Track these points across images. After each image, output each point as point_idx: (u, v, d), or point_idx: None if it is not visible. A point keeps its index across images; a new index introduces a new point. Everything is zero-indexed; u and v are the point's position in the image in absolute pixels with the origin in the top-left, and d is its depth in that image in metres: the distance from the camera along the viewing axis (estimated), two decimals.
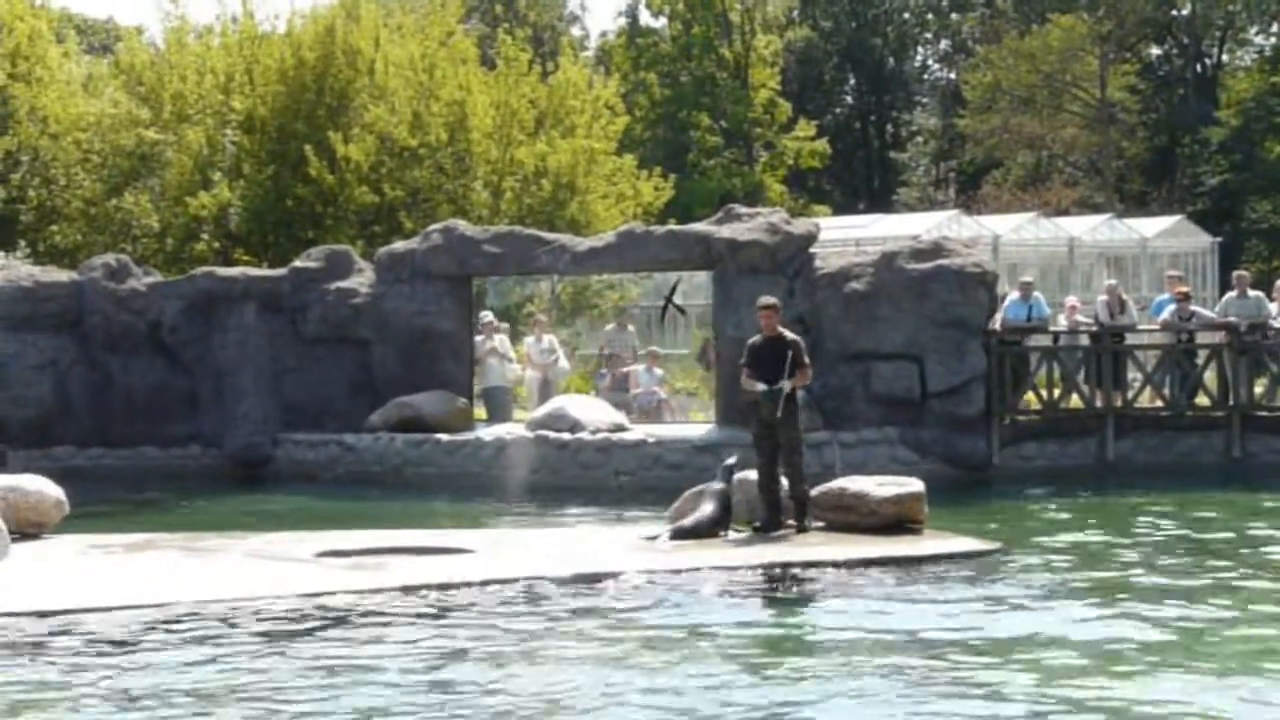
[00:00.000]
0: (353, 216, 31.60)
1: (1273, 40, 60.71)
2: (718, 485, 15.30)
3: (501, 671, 10.06)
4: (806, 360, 15.43)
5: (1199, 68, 62.89)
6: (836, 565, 13.81)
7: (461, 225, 23.94)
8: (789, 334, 15.56)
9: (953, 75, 70.62)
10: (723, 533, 15.06)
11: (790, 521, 15.29)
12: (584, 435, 21.20)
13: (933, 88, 74.56)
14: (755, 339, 15.57)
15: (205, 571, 13.44)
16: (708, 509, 15.12)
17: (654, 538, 15.04)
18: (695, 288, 28.45)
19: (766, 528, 15.18)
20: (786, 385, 15.09)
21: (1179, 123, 59.87)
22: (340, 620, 11.60)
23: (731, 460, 15.69)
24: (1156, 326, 23.43)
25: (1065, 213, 46.45)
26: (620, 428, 21.66)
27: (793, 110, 57.00)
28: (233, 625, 11.43)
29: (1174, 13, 61.90)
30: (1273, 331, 22.23)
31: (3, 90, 33.28)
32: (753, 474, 15.69)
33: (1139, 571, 13.86)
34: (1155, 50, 64.81)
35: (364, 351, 23.11)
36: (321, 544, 14.77)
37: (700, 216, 29.01)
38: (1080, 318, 24.12)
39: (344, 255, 24.10)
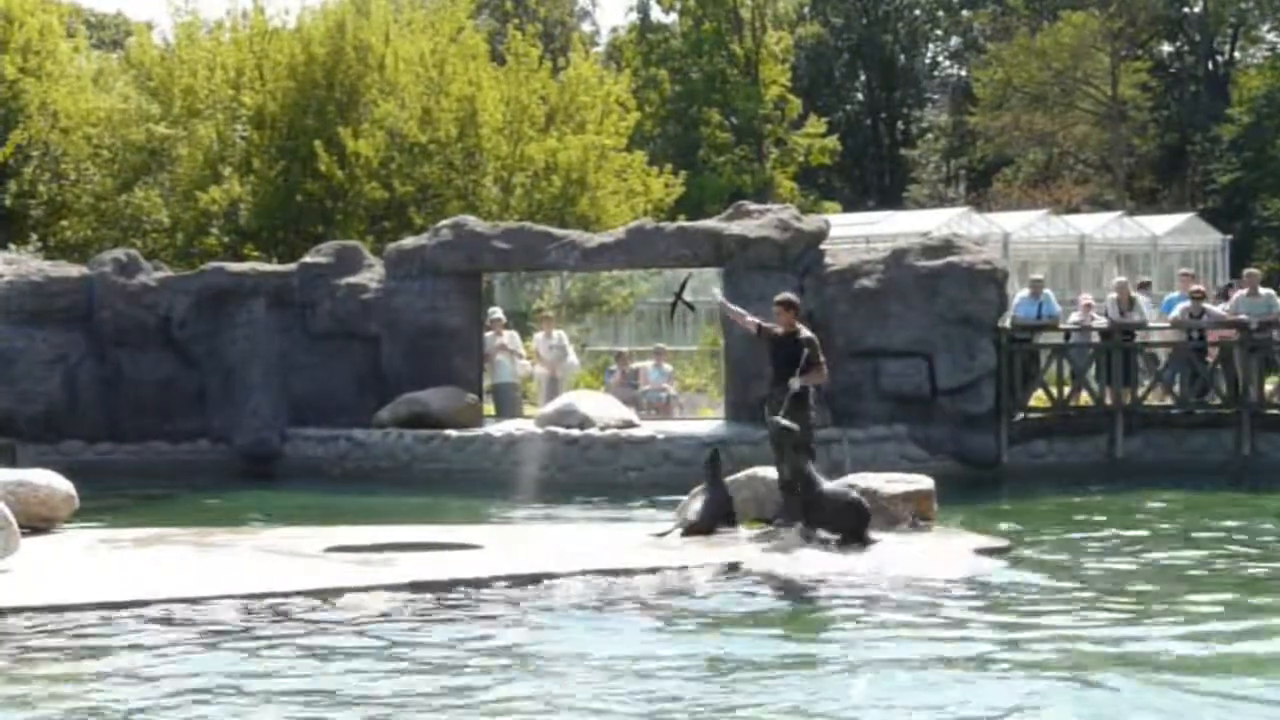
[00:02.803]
0: (362, 212, 31.62)
1: None
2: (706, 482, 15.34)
3: (506, 667, 10.06)
4: (821, 359, 15.22)
5: (1210, 65, 62.80)
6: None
7: (471, 221, 23.94)
8: (805, 332, 15.34)
9: (963, 72, 70.52)
10: (726, 529, 15.05)
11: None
12: (593, 432, 21.20)
13: (943, 85, 74.46)
14: (779, 330, 15.46)
15: (215, 567, 13.45)
16: (696, 507, 15.13)
17: (664, 534, 15.03)
18: (705, 284, 28.40)
19: (785, 523, 15.12)
20: (795, 384, 14.99)
21: (1190, 120, 59.78)
22: (346, 615, 11.60)
23: (712, 452, 15.69)
24: (1166, 324, 23.40)
25: (1076, 210, 46.44)
26: (629, 424, 21.66)
27: (803, 107, 56.92)
28: (242, 620, 11.43)
29: (1185, 10, 61.82)
30: None
31: (13, 85, 33.32)
32: (760, 470, 15.70)
33: (1142, 572, 13.85)
34: (1167, 47, 64.71)
35: (373, 347, 23.11)
36: (330, 539, 14.79)
37: (710, 213, 29.02)
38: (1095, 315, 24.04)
39: (353, 251, 24.10)
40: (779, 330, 15.26)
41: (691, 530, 14.94)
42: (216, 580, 12.66)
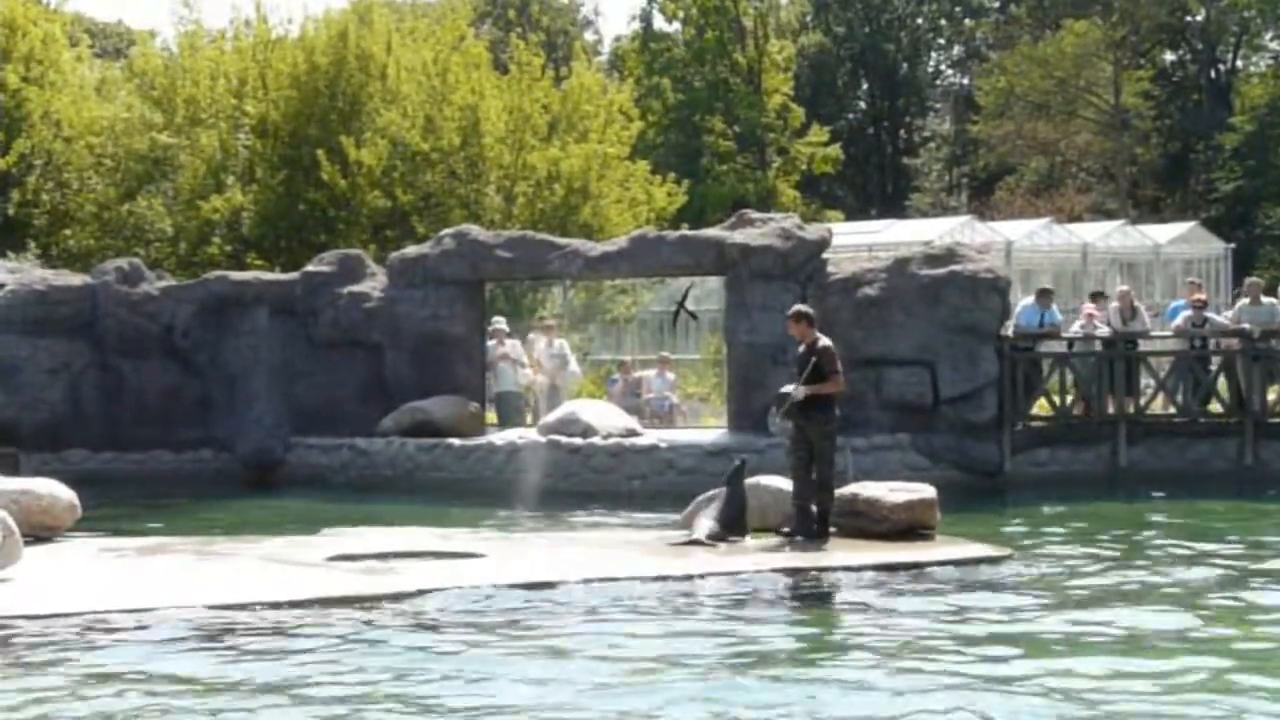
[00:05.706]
0: (365, 221, 31.64)
1: None
2: (725, 489, 15.33)
3: (507, 675, 10.05)
4: (838, 368, 15.16)
5: (1213, 74, 62.86)
6: (848, 570, 13.82)
7: (474, 230, 23.95)
8: (822, 341, 15.27)
9: (966, 81, 70.60)
10: (734, 538, 15.04)
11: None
12: (596, 440, 21.19)
13: (946, 93, 74.54)
14: (800, 348, 15.48)
15: (217, 575, 13.45)
16: (713, 516, 15.12)
17: (690, 542, 14.94)
18: (708, 293, 28.45)
19: (793, 533, 15.12)
20: (798, 392, 15.00)
21: (1193, 129, 59.83)
22: (349, 623, 11.60)
23: (739, 462, 15.71)
24: (1169, 333, 23.39)
25: (1078, 219, 46.44)
26: (632, 433, 21.66)
27: (806, 116, 56.94)
28: (245, 628, 11.43)
29: (1188, 19, 61.87)
30: None
31: (16, 94, 33.35)
32: (764, 479, 15.73)
33: (1144, 579, 13.83)
34: (1169, 56, 64.78)
35: (376, 356, 23.13)
36: (332, 548, 14.79)
37: (713, 222, 29.00)
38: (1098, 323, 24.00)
39: (356, 259, 24.13)
40: (800, 349, 15.30)
41: (715, 538, 14.95)
42: (219, 589, 12.66)
